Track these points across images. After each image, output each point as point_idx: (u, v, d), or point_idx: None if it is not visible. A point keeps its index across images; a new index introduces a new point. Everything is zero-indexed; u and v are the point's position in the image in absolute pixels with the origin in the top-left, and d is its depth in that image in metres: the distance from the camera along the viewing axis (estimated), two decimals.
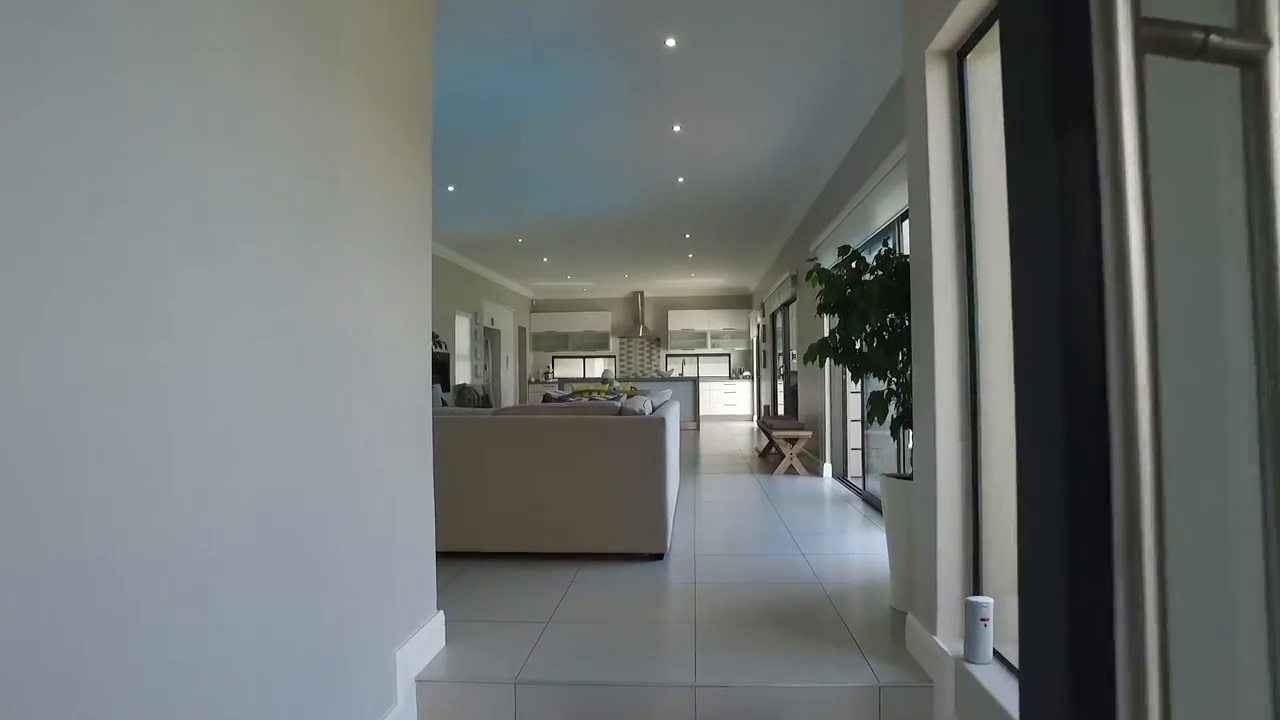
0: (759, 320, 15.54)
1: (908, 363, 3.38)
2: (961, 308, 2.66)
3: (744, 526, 5.36)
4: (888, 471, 3.48)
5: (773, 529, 5.22)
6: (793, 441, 7.99)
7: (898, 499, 3.29)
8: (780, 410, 12.48)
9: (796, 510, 5.93)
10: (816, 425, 8.23)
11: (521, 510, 4.42)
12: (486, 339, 15.24)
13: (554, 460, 4.42)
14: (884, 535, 4.89)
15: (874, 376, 3.48)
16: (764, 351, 14.77)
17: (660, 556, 4.40)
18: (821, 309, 3.58)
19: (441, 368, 11.91)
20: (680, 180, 7.86)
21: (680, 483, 7.23)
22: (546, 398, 4.67)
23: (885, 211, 5.17)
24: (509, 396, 16.27)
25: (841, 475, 7.60)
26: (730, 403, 17.75)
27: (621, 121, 6.07)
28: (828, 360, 3.57)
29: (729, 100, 5.61)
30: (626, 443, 4.37)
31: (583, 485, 4.38)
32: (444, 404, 10.34)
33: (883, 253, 3.50)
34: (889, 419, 3.35)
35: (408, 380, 2.84)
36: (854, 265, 3.49)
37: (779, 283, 11.06)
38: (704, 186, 8.11)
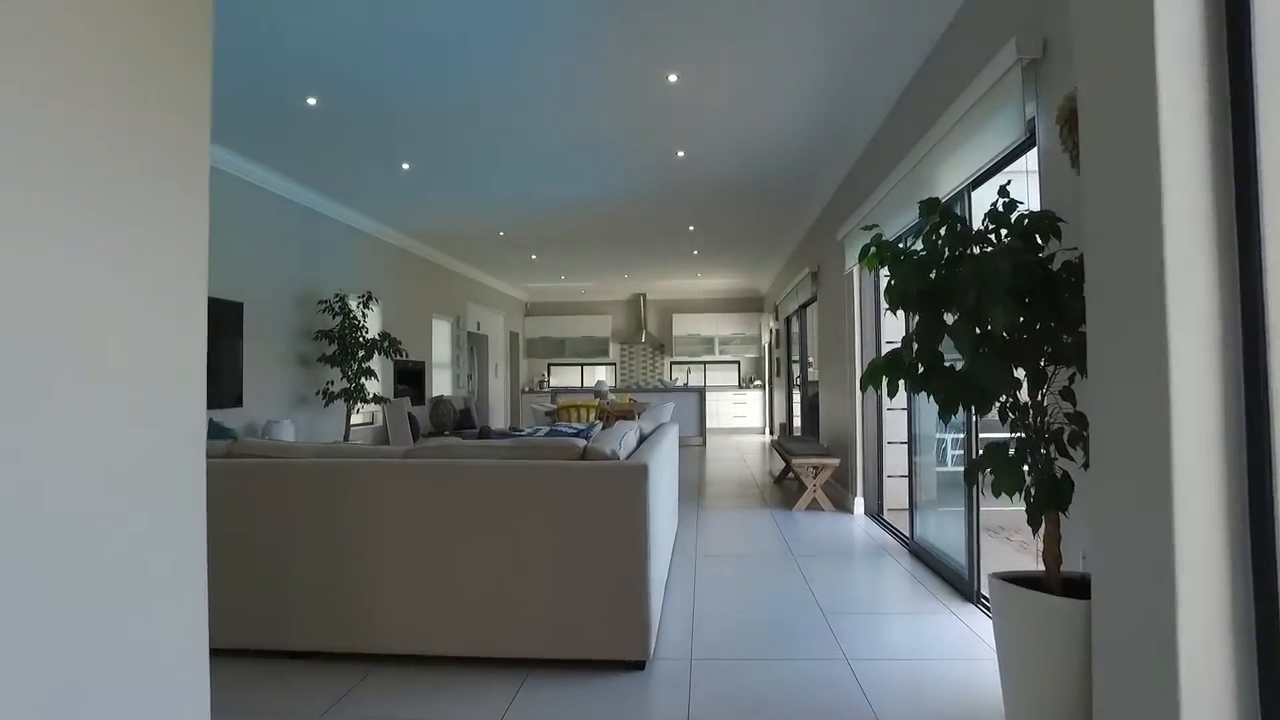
0: (772, 324, 14.19)
1: (1039, 380, 2.04)
2: (1227, 295, 1.31)
3: (760, 602, 4.00)
4: (1004, 573, 2.12)
5: (799, 606, 3.86)
6: (816, 471, 6.63)
7: (1034, 619, 1.94)
8: (797, 426, 11.11)
9: (827, 569, 4.57)
10: (844, 447, 6.87)
11: (442, 595, 3.08)
12: (472, 345, 13.92)
13: (489, 524, 3.08)
14: (955, 618, 3.56)
15: (972, 406, 2.12)
16: (777, 359, 13.40)
17: (641, 665, 3.05)
18: (895, 304, 2.22)
19: (414, 378, 10.59)
20: (680, 155, 6.52)
21: (679, 523, 5.88)
22: (484, 431, 3.32)
23: (948, 178, 3.82)
24: (498, 409, 14.95)
25: (876, 512, 6.24)
26: (740, 414, 16.38)
27: (601, 64, 4.74)
28: (899, 385, 2.21)
29: (737, 36, 4.28)
30: (593, 500, 3.03)
31: (530, 561, 3.04)
32: (412, 421, 9.01)
33: (1001, 205, 2.13)
34: (1023, 487, 1.99)
35: (139, 399, 1.52)
36: (944, 229, 2.14)
37: (796, 281, 9.71)
38: (708, 163, 6.77)
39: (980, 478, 2.14)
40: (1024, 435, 2.04)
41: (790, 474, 8.44)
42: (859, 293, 6.32)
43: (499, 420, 14.96)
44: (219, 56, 4.68)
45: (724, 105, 5.36)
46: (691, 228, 9.72)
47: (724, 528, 5.90)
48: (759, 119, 5.64)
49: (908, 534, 5.16)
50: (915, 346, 2.18)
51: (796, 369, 11.28)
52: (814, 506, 6.64)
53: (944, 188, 3.87)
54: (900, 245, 2.32)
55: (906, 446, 5.29)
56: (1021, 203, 2.17)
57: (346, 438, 7.70)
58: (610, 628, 3.00)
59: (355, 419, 8.77)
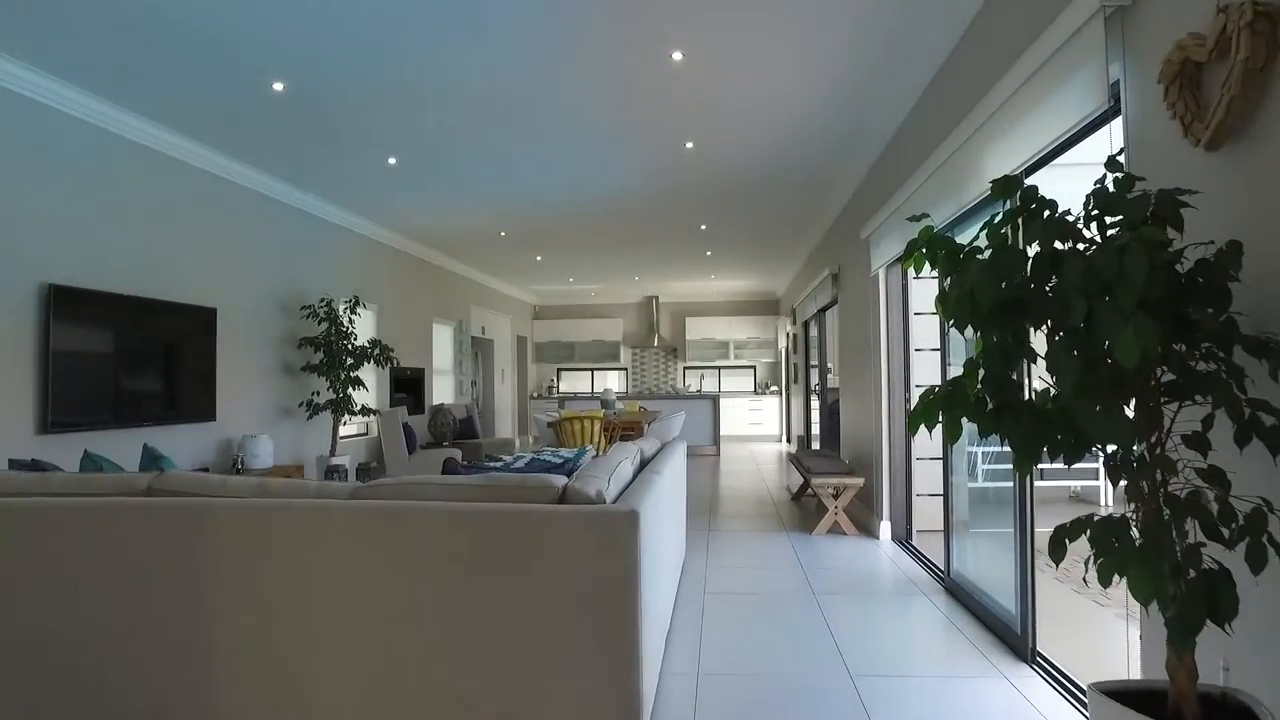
0: (789, 328, 13.60)
1: (1153, 420, 1.48)
2: None
3: (777, 660, 3.43)
4: (1108, 685, 1.55)
5: (822, 665, 3.29)
6: (837, 492, 6.05)
7: None
8: (816, 438, 10.52)
9: (852, 613, 3.99)
10: (867, 463, 6.29)
11: (385, 669, 2.54)
12: (476, 351, 13.42)
13: (448, 583, 2.53)
14: (1006, 683, 2.94)
15: (1060, 454, 1.55)
16: (795, 365, 12.82)
17: None
18: (959, 318, 1.64)
19: (413, 386, 10.09)
20: (689, 146, 5.97)
21: (688, 549, 5.32)
22: (450, 465, 2.78)
23: (998, 162, 3.25)
24: (504, 415, 14.44)
25: (904, 537, 5.66)
26: (756, 421, 15.79)
27: (597, 37, 4.19)
28: (962, 425, 1.64)
29: (745, 3, 3.72)
30: (572, 554, 2.48)
31: (495, 629, 2.49)
32: (407, 431, 8.50)
33: (1112, 183, 1.55)
34: (1165, 591, 1.40)
35: None
36: (1036, 214, 1.57)
37: (815, 283, 9.14)
38: (719, 154, 6.21)
39: (1089, 567, 1.58)
40: (1143, 503, 1.47)
41: (809, 490, 7.87)
42: (885, 296, 5.75)
43: (505, 428, 14.45)
44: (174, 34, 4.30)
45: (734, 87, 4.81)
46: (704, 226, 9.17)
47: (737, 556, 5.33)
48: (773, 103, 5.08)
49: (942, 566, 4.58)
50: (982, 373, 1.62)
51: (815, 376, 10.70)
52: (835, 529, 6.06)
53: (992, 175, 3.29)
54: (951, 238, 1.76)
55: (941, 464, 4.69)
56: (1142, 178, 1.60)
57: (333, 451, 7.20)
58: (592, 712, 2.45)
59: (346, 430, 8.27)
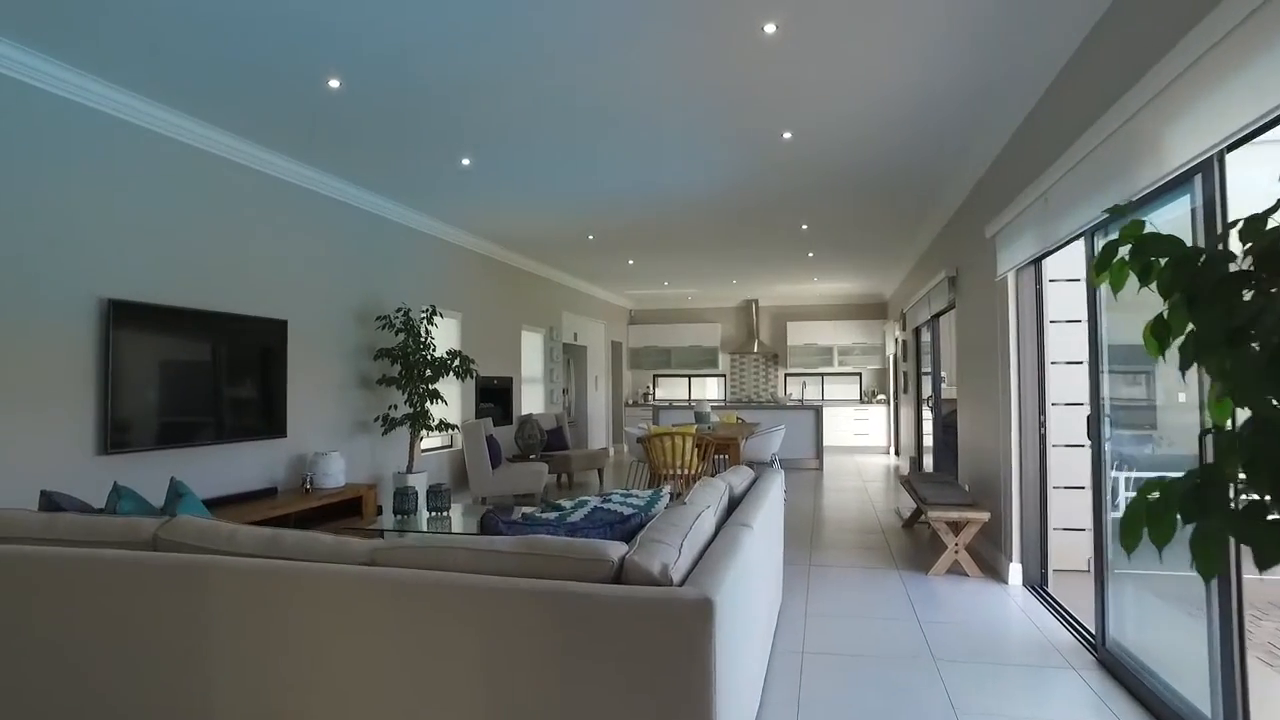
0: (897, 334, 12.69)
1: None
2: None
3: None
4: None
5: None
6: (957, 527, 5.31)
7: None
8: (928, 450, 9.64)
9: (985, 690, 3.30)
10: (991, 491, 5.51)
11: None
12: (568, 358, 13.06)
13: (468, 679, 2.03)
14: None
15: None
16: (904, 373, 11.92)
17: None
18: (1213, 364, 1.02)
19: (500, 396, 9.77)
20: (786, 136, 5.34)
21: (784, 588, 4.70)
22: (488, 520, 2.27)
23: (1186, 139, 2.52)
24: (598, 424, 14.03)
25: (1038, 583, 4.87)
26: (861, 431, 14.88)
27: (679, 6, 3.64)
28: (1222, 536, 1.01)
29: None
30: (624, 657, 1.93)
31: None
32: (491, 444, 8.15)
33: None
34: None
35: None
36: None
37: (929, 287, 8.32)
38: (820, 145, 5.55)
39: None
40: None
41: (923, 517, 7.10)
42: (1015, 302, 4.98)
43: (599, 437, 14.05)
44: (225, 33, 3.78)
45: (835, 66, 4.16)
46: (805, 226, 8.48)
47: (841, 602, 4.68)
48: (880, 83, 4.41)
49: (1093, 629, 3.81)
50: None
51: (928, 386, 9.83)
52: (955, 569, 5.32)
53: (1176, 155, 2.56)
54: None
55: (1091, 498, 3.90)
56: None
57: (410, 467, 6.89)
58: None
59: (428, 442, 7.98)
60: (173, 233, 4.90)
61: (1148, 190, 2.81)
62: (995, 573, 5.25)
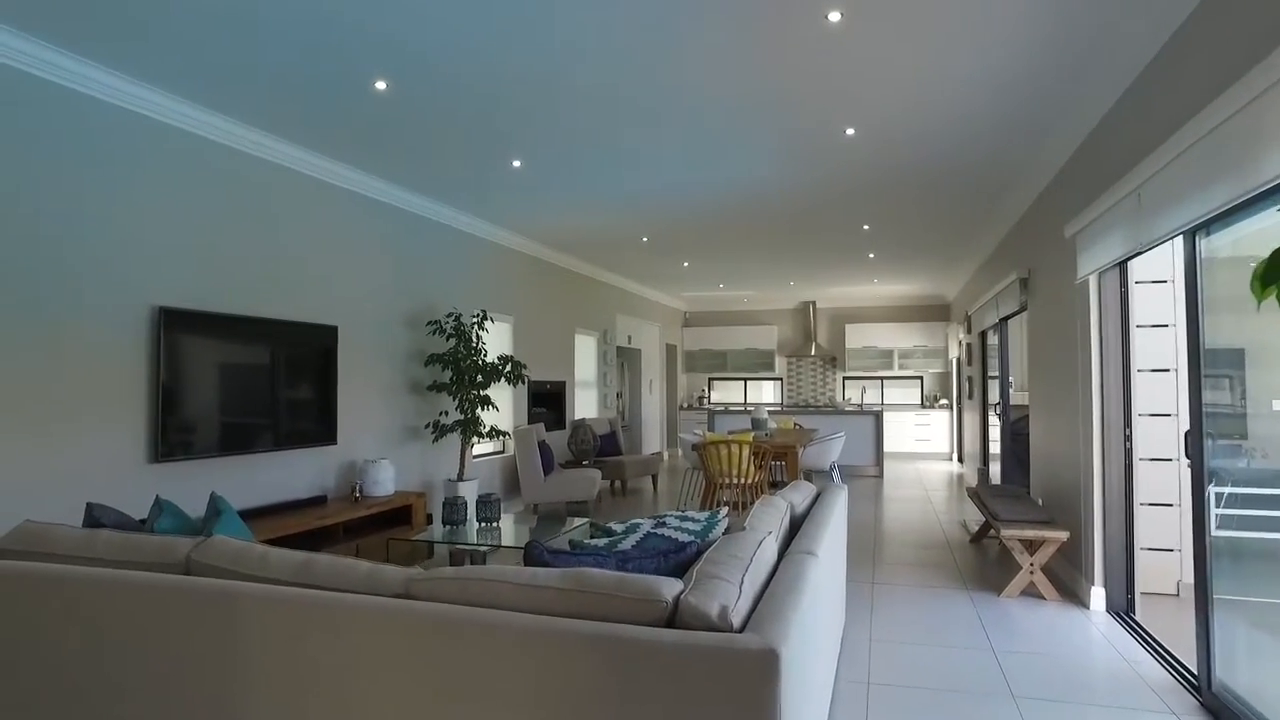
0: (961, 337, 12.25)
1: None
2: None
3: None
4: None
5: None
6: (1033, 546, 4.99)
7: None
8: (996, 465, 9.23)
9: None
10: (1070, 506, 5.18)
11: None
12: (622, 361, 12.92)
13: None
14: None
15: None
16: (969, 378, 11.48)
17: None
18: None
19: (553, 400, 9.65)
20: (849, 133, 5.08)
21: (846, 607, 4.46)
22: (531, 550, 2.09)
23: None
24: (652, 428, 13.85)
25: (1124, 609, 4.53)
26: (923, 437, 14.43)
27: (739, 9, 3.43)
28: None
29: None
30: (680, 711, 1.74)
31: None
32: (543, 450, 8.02)
33: None
34: None
35: None
36: None
37: (998, 289, 7.94)
38: (884, 142, 5.28)
39: None
40: None
41: (992, 532, 6.75)
42: (1098, 305, 4.65)
43: (653, 441, 13.86)
44: (271, 35, 3.54)
45: (903, 54, 3.90)
46: (866, 226, 8.17)
47: (908, 626, 4.41)
48: (953, 71, 4.13)
49: (1191, 665, 3.48)
50: None
51: (995, 391, 9.42)
52: (1030, 590, 5.00)
53: None
54: None
55: (1191, 517, 3.56)
56: None
57: (461, 475, 6.80)
58: None
59: (480, 448, 7.89)
60: (222, 239, 4.86)
61: (1266, 185, 2.51)
62: (1074, 596, 4.92)
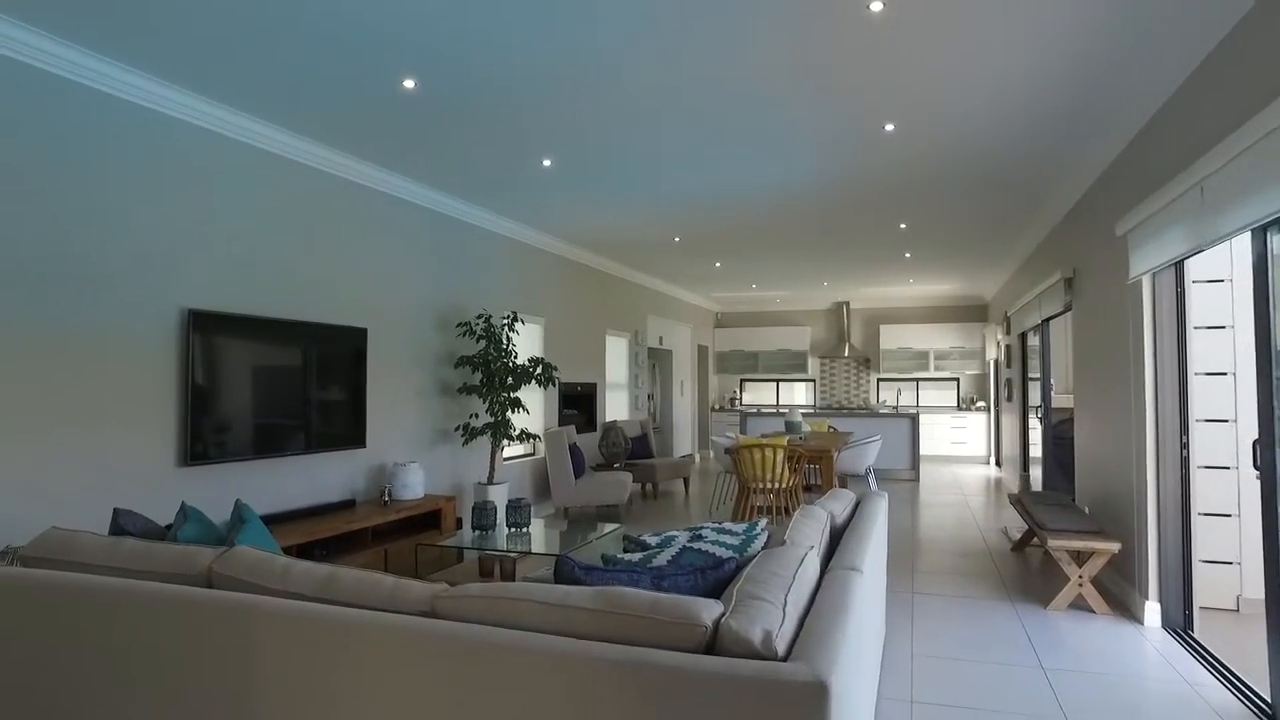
0: (1000, 338, 11.98)
1: None
2: None
3: None
4: None
5: None
6: (1081, 558, 4.79)
7: None
8: (1037, 469, 8.98)
9: None
10: (1121, 516, 4.97)
11: None
12: (653, 362, 12.80)
13: None
14: None
15: None
16: (1008, 380, 11.21)
17: None
18: None
19: (584, 402, 9.56)
20: (889, 129, 4.92)
21: (885, 620, 4.30)
22: (562, 566, 1.98)
23: None
24: (683, 430, 13.72)
25: (1181, 625, 4.33)
26: (959, 440, 14.15)
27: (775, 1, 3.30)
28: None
29: None
30: None
31: None
32: (574, 453, 7.93)
33: None
34: None
35: None
36: None
37: (1040, 289, 7.71)
38: (926, 139, 5.11)
39: None
40: None
41: (1035, 540, 6.55)
42: (1152, 306, 4.45)
43: (684, 443, 13.72)
44: (298, 33, 3.40)
45: (949, 45, 3.74)
46: (903, 225, 7.98)
47: (952, 641, 4.24)
48: (996, 67, 3.96)
49: (1263, 692, 3.29)
50: None
51: (1037, 394, 9.18)
52: (1078, 603, 4.81)
53: None
54: None
55: (1262, 530, 3.38)
56: None
57: (491, 478, 6.72)
58: None
59: (511, 450, 7.82)
60: (250, 240, 4.81)
61: None
62: (1126, 610, 4.72)
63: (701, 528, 2.75)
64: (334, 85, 4.19)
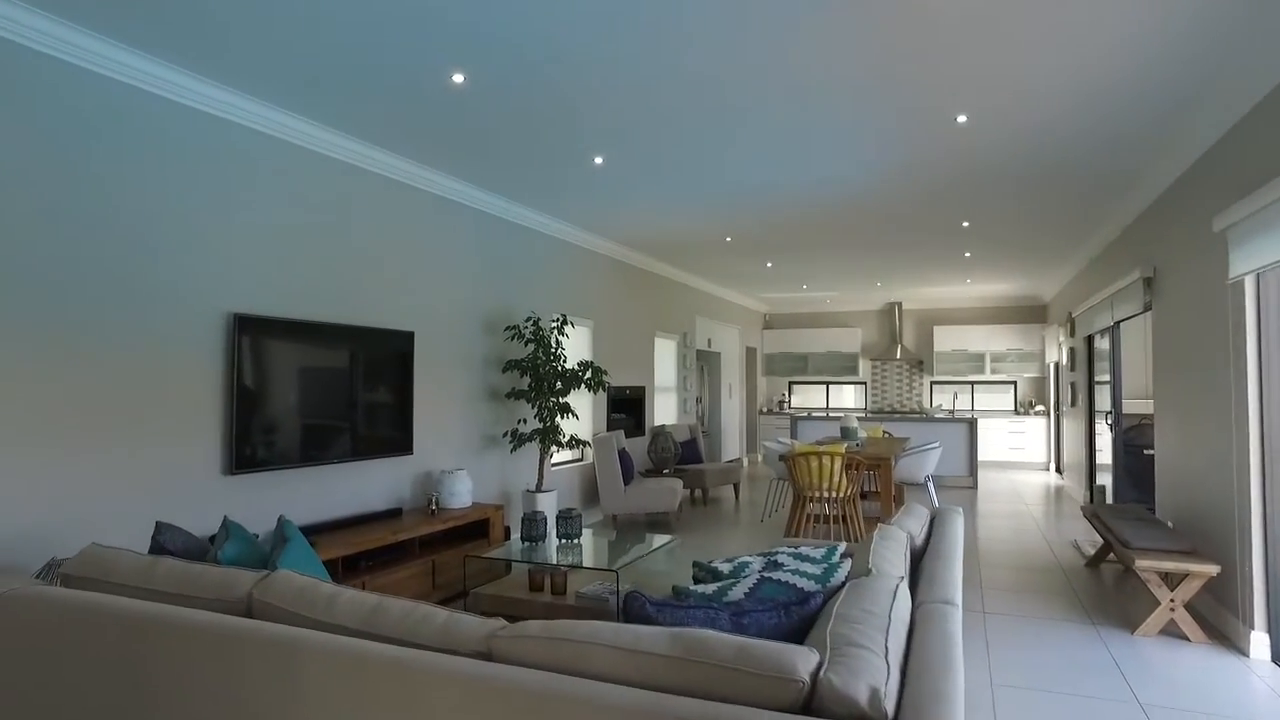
0: (1062, 340, 11.51)
1: None
2: None
3: None
4: None
5: None
6: (1171, 579, 4.45)
7: None
8: (1104, 476, 8.54)
9: None
10: (1218, 535, 4.62)
11: None
12: (701, 365, 12.56)
13: None
14: None
15: None
16: (1072, 384, 10.75)
17: None
18: None
19: (633, 406, 9.35)
20: (961, 120, 4.63)
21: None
22: (632, 603, 1.76)
23: None
24: (731, 434, 13.44)
25: None
26: (1016, 446, 13.64)
27: None
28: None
29: None
30: None
31: None
32: (623, 458, 7.73)
33: None
34: None
35: None
36: None
37: (1114, 289, 7.31)
38: (1000, 128, 4.80)
39: None
40: None
41: (1111, 556, 6.19)
42: (1256, 308, 4.10)
43: (732, 448, 13.44)
44: (344, 26, 3.19)
45: (1031, 23, 3.45)
46: (966, 223, 7.63)
47: (1034, 670, 3.94)
48: (1082, 47, 3.66)
49: None
50: None
51: (1104, 399, 8.75)
52: (1169, 629, 4.47)
53: None
54: None
55: None
56: None
57: (540, 485, 6.54)
58: None
59: (559, 455, 7.64)
60: (296, 242, 4.69)
61: None
62: (1225, 639, 4.36)
63: (777, 552, 2.51)
64: (381, 80, 4.03)
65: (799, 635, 2.02)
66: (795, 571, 2.28)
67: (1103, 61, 3.78)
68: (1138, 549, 4.58)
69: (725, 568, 2.41)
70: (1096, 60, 3.77)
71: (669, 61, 3.80)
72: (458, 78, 3.98)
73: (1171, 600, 4.38)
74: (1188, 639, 4.34)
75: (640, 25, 3.42)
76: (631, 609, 1.92)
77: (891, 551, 2.72)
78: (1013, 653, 4.15)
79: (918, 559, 3.10)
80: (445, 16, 3.33)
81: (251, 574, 2.32)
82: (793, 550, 2.54)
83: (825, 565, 2.34)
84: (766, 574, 2.25)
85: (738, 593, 2.16)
